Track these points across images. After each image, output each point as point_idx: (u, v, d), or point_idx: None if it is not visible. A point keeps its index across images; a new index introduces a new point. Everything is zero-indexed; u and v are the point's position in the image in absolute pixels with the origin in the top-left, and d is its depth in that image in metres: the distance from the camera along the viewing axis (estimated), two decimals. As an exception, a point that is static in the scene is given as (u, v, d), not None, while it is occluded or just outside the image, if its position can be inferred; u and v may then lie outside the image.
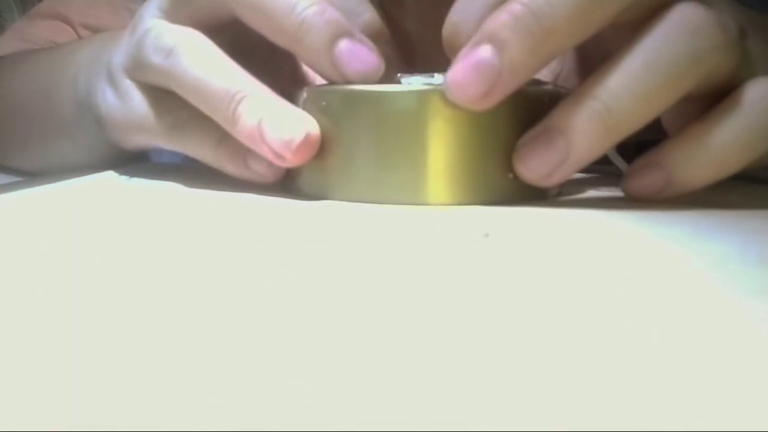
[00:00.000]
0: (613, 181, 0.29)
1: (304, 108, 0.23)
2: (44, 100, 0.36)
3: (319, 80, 0.25)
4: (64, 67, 0.35)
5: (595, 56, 0.22)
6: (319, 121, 0.22)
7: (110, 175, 0.31)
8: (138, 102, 0.27)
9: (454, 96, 0.21)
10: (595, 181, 0.29)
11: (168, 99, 0.26)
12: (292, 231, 0.19)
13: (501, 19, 0.20)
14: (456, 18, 0.22)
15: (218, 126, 0.25)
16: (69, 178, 0.30)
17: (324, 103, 0.23)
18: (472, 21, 0.22)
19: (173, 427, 0.07)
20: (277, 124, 0.22)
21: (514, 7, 0.20)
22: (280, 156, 0.22)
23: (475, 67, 0.20)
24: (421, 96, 0.22)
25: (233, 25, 0.25)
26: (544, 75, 0.38)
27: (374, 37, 0.24)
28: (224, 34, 0.24)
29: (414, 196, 0.22)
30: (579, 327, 0.11)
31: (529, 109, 0.22)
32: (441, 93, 0.21)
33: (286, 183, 0.25)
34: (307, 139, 0.22)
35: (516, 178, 0.22)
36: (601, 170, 0.30)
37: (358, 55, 0.22)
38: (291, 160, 0.22)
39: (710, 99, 0.22)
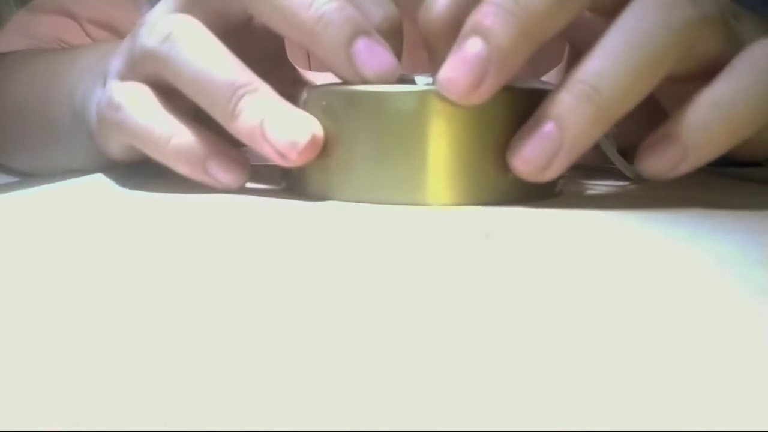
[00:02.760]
0: (613, 181, 0.29)
1: (305, 108, 0.23)
2: (41, 106, 0.36)
3: None
4: (63, 74, 0.34)
5: None
6: (319, 122, 0.22)
7: (111, 175, 0.31)
8: (107, 91, 0.26)
9: (448, 91, 0.21)
10: (595, 180, 0.29)
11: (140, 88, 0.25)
12: (294, 232, 0.19)
13: (483, 10, 0.20)
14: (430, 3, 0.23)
15: (175, 119, 0.24)
16: (67, 178, 0.30)
17: (324, 104, 0.22)
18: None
19: (174, 427, 0.07)
20: (282, 123, 0.22)
21: None
22: (284, 156, 0.22)
23: (464, 60, 0.20)
24: (421, 96, 0.22)
25: (240, 32, 0.25)
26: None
27: (391, 34, 0.24)
28: (230, 41, 0.24)
29: (414, 196, 0.22)
30: (579, 327, 0.11)
31: (528, 109, 0.22)
32: (441, 93, 0.21)
33: (288, 183, 0.25)
34: (313, 140, 0.22)
35: (516, 177, 0.22)
36: (602, 169, 0.30)
37: (377, 54, 0.22)
38: (295, 161, 0.22)
39: (706, 78, 0.22)
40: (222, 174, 0.24)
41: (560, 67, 0.39)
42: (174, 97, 0.24)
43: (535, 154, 0.21)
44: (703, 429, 0.07)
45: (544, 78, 0.39)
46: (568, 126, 0.20)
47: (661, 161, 0.21)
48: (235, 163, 0.24)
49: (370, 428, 0.07)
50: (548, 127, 0.20)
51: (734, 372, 0.09)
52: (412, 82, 0.23)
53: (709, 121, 0.21)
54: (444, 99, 0.21)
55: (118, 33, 0.47)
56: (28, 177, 0.36)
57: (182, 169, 0.24)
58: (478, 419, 0.08)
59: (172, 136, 0.24)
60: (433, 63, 0.22)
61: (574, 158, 0.21)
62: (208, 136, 0.24)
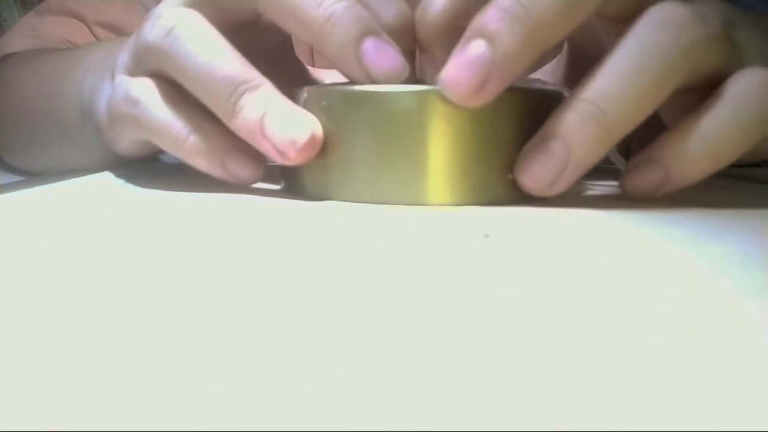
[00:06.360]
0: (613, 181, 0.29)
1: (305, 108, 0.23)
2: (49, 103, 0.36)
3: None
4: (70, 71, 0.35)
5: (588, 57, 0.22)
6: (320, 121, 0.22)
7: (113, 174, 0.31)
8: (121, 86, 0.26)
9: (450, 93, 0.21)
10: (595, 180, 0.29)
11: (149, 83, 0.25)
12: (293, 232, 0.19)
13: (490, 13, 0.20)
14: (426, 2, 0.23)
15: (193, 114, 0.24)
16: (69, 177, 0.30)
17: (324, 103, 0.22)
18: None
19: (174, 427, 0.07)
20: (282, 121, 0.22)
21: (502, 1, 0.20)
22: (283, 154, 0.22)
23: (468, 62, 0.20)
24: (421, 96, 0.22)
25: (248, 29, 0.25)
26: (540, 77, 0.38)
27: (402, 34, 0.24)
28: (237, 38, 0.24)
29: (414, 196, 0.22)
30: (579, 327, 0.11)
31: (528, 109, 0.22)
32: (441, 93, 0.21)
33: (287, 183, 0.25)
34: (312, 139, 0.22)
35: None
36: (602, 169, 0.30)
37: (385, 54, 0.22)
38: (294, 159, 0.22)
39: (705, 89, 0.22)
40: (239, 170, 0.25)
41: (557, 60, 0.39)
42: (189, 93, 0.24)
43: (542, 172, 0.21)
44: (702, 429, 0.07)
45: (542, 70, 0.39)
46: (574, 145, 0.20)
47: (644, 183, 0.22)
48: (252, 159, 0.25)
49: (370, 428, 0.07)
50: (555, 145, 0.21)
51: (733, 373, 0.09)
52: (420, 82, 0.23)
53: (691, 150, 0.21)
54: (444, 99, 0.21)
55: (125, 36, 0.47)
56: (31, 176, 0.36)
57: (200, 164, 0.25)
58: (478, 419, 0.08)
59: (191, 132, 0.24)
60: (427, 63, 0.22)
61: (580, 175, 0.21)
62: (225, 132, 0.24)
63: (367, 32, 0.22)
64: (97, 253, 0.16)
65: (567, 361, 0.09)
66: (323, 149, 0.22)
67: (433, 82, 0.22)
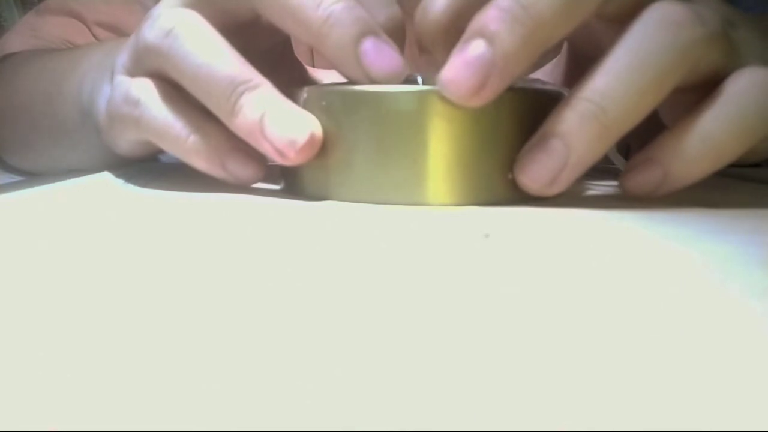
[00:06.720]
0: (613, 181, 0.29)
1: (305, 108, 0.23)
2: (48, 103, 0.36)
3: None
4: (70, 72, 0.35)
5: (588, 58, 0.22)
6: (319, 121, 0.22)
7: (113, 174, 0.31)
8: (120, 87, 0.26)
9: (449, 93, 0.21)
10: (595, 180, 0.29)
11: (148, 84, 0.25)
12: (293, 231, 0.19)
13: (489, 13, 0.20)
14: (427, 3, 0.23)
15: (193, 115, 0.24)
16: (69, 177, 0.30)
17: (324, 103, 0.22)
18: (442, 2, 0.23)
19: (174, 427, 0.07)
20: (281, 121, 0.22)
21: (502, 2, 0.20)
22: (282, 154, 0.22)
23: (468, 62, 0.20)
24: (421, 96, 0.22)
25: (247, 30, 0.25)
26: (540, 77, 0.38)
27: (394, 35, 0.24)
28: (236, 39, 0.24)
29: (414, 196, 0.22)
30: (579, 328, 0.11)
31: (528, 109, 0.22)
32: (441, 93, 0.21)
33: (287, 183, 0.25)
34: (311, 139, 0.22)
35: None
36: (602, 169, 0.30)
37: (385, 54, 0.22)
38: (293, 159, 0.22)
39: (704, 89, 0.22)
40: (239, 170, 0.25)
41: (556, 60, 0.39)
42: (189, 93, 0.24)
43: (542, 171, 0.21)
44: (702, 429, 0.07)
45: (542, 70, 0.39)
46: (573, 144, 0.20)
47: (643, 182, 0.22)
48: (252, 159, 0.25)
49: (370, 428, 0.07)
50: (554, 144, 0.21)
51: (733, 372, 0.09)
52: (416, 82, 0.23)
53: (691, 151, 0.21)
54: (444, 99, 0.21)
55: (124, 36, 0.47)
56: (31, 176, 0.36)
57: (199, 164, 0.25)
58: (479, 419, 0.08)
59: (191, 133, 0.24)
60: (427, 64, 0.22)
61: (580, 174, 0.21)
62: (225, 132, 0.24)
63: (366, 32, 0.22)
64: (97, 253, 0.16)
65: (567, 361, 0.09)
66: (323, 149, 0.22)
67: (432, 82, 0.22)
